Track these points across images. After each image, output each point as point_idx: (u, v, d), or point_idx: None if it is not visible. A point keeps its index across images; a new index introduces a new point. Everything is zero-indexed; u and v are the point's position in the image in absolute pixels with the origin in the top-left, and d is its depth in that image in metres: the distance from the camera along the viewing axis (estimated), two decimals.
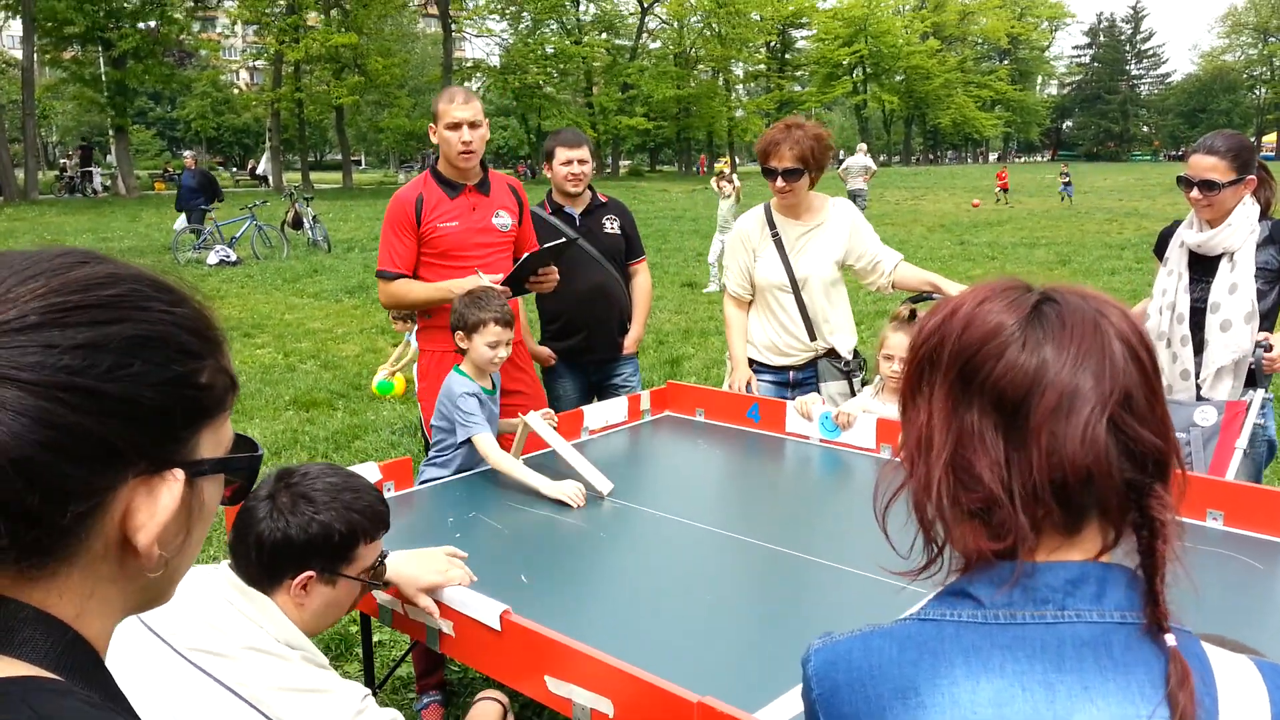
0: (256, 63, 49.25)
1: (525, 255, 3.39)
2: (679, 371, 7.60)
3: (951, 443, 0.92)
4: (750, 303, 3.74)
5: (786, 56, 63.26)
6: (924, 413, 0.95)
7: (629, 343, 4.09)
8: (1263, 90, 74.54)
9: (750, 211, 3.73)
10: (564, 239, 3.57)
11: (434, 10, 46.22)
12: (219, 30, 46.18)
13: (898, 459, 0.99)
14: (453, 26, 44.01)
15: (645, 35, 53.07)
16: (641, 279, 4.14)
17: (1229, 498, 2.40)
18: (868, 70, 64.41)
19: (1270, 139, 75.31)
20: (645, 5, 51.12)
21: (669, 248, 16.98)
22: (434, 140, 3.43)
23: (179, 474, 0.67)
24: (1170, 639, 0.85)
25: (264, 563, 1.70)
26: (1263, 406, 3.14)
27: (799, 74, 64.62)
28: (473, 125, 3.33)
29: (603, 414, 3.40)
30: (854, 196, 18.43)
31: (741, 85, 63.07)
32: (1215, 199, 3.12)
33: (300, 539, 1.71)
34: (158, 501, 0.66)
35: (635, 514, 2.60)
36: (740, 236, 3.71)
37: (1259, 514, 2.34)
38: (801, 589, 2.14)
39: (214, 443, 0.72)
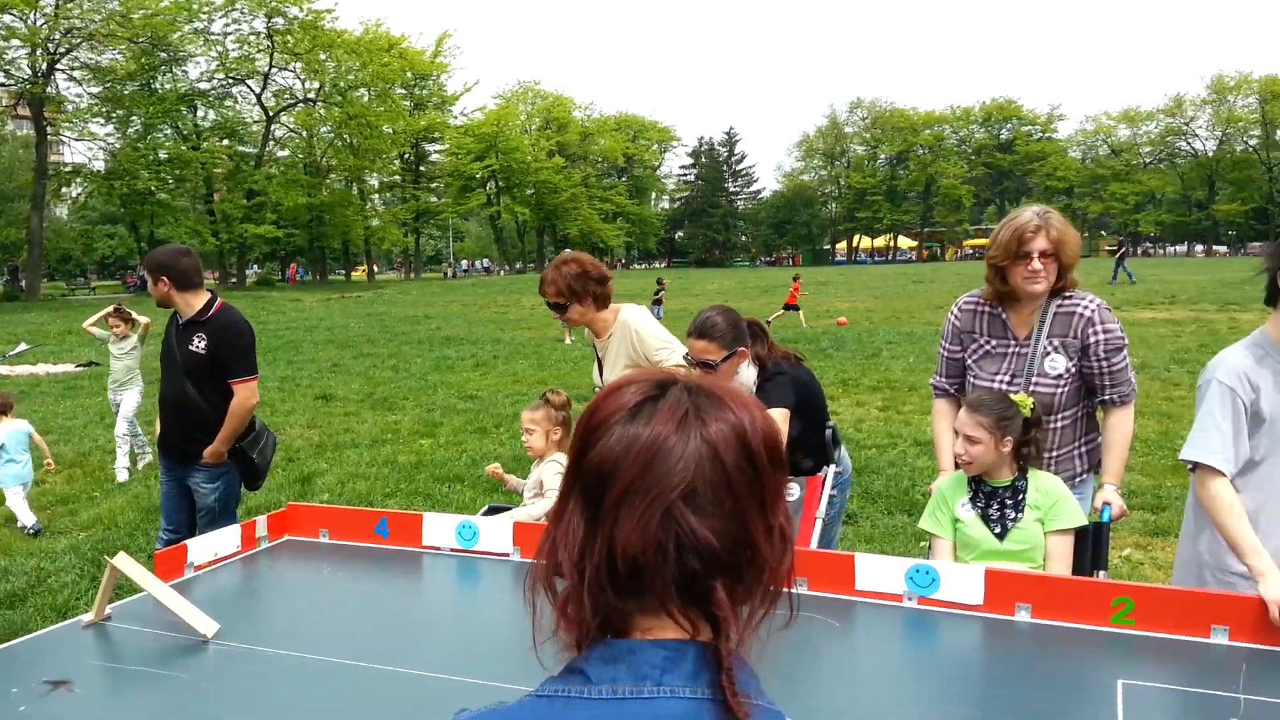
0: None
1: None
2: (311, 489, 7.19)
3: (552, 523, 0.96)
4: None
5: (421, 168, 64.04)
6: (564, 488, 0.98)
7: (206, 453, 4.30)
8: (834, 205, 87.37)
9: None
10: None
11: (25, 112, 41.44)
12: None
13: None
14: (48, 128, 39.71)
15: (272, 143, 51.31)
16: (234, 401, 4.30)
17: (811, 565, 2.68)
18: (500, 183, 66.99)
19: (842, 246, 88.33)
20: (270, 114, 49.57)
21: (301, 359, 16.25)
22: None
23: None
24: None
25: None
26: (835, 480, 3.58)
27: (434, 185, 65.64)
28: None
29: (210, 546, 3.10)
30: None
31: (377, 195, 62.71)
32: (715, 376, 3.54)
33: None
34: None
35: (245, 655, 2.38)
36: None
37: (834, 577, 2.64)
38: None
39: None
